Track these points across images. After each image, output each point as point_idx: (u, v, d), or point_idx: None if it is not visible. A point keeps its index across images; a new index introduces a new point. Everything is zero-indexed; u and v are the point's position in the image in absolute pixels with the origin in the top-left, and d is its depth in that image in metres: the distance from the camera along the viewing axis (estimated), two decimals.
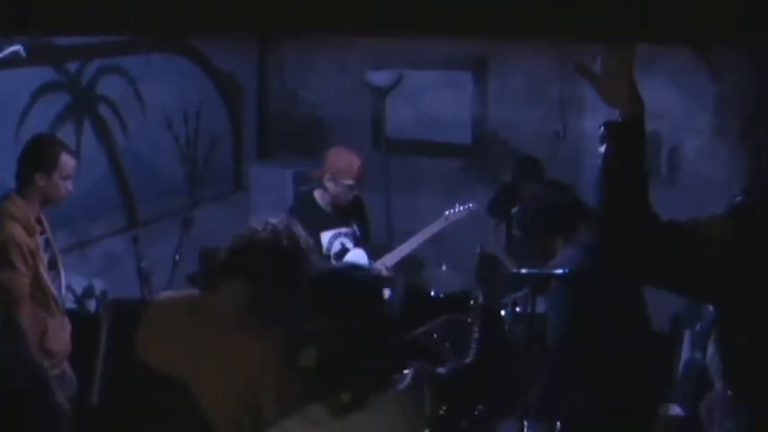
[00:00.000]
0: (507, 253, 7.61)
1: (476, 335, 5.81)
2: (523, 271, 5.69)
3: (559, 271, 4.70)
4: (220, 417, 3.42)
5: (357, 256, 6.39)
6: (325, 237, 6.26)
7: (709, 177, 7.65)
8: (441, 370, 4.58)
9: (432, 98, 9.03)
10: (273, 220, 3.69)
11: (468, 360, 5.56)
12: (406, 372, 3.00)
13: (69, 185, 5.37)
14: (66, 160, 5.37)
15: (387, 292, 6.51)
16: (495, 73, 8.86)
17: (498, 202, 7.80)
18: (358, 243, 6.41)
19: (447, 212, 6.95)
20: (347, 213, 6.38)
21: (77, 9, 1.94)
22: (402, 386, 2.94)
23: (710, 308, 4.90)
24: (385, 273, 6.47)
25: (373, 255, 6.60)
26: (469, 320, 6.41)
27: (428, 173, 9.07)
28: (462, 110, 9.03)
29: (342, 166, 6.20)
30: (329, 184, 6.21)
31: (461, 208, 6.99)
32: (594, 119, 7.56)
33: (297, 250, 3.62)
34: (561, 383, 4.80)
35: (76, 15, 1.96)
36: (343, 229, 6.36)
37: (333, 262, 6.20)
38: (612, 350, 4.61)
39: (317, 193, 6.32)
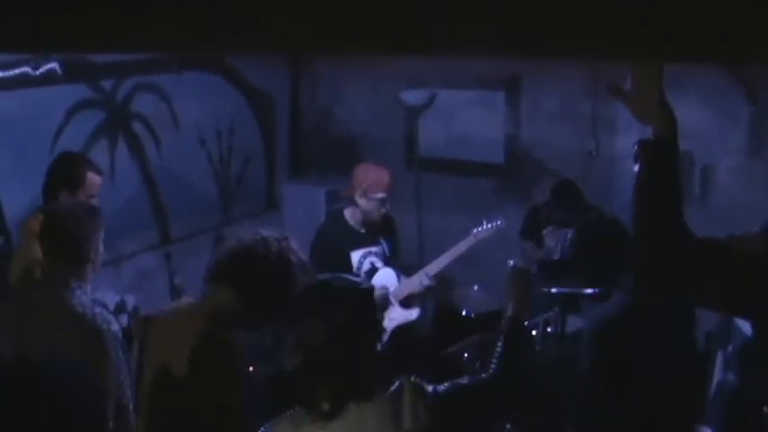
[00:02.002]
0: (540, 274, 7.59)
1: (498, 349, 5.77)
2: (553, 290, 5.69)
3: (590, 291, 4.68)
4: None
5: (386, 275, 6.39)
6: (356, 256, 6.28)
7: (742, 198, 7.60)
8: (441, 387, 4.61)
9: (464, 117, 9.04)
10: (264, 232, 3.78)
11: (485, 375, 5.52)
12: (394, 384, 3.04)
13: (95, 203, 5.40)
14: (92, 179, 5.41)
15: (416, 312, 6.49)
16: (527, 92, 8.85)
17: (528, 225, 7.79)
18: (387, 262, 6.41)
19: (475, 230, 6.94)
20: (377, 231, 6.38)
21: (108, 27, 1.96)
22: (381, 398, 2.97)
23: (743, 328, 4.88)
24: (426, 282, 6.47)
25: (405, 273, 6.60)
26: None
27: (460, 192, 9.06)
28: (495, 129, 9.02)
29: (371, 180, 6.21)
30: (361, 201, 6.21)
31: (489, 225, 6.98)
32: (627, 138, 7.53)
33: (285, 263, 3.69)
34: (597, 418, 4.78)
35: (107, 33, 1.98)
36: (373, 248, 6.37)
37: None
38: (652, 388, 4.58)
39: (348, 212, 6.33)
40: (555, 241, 7.52)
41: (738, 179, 7.93)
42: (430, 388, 3.06)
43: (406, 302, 6.49)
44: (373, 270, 6.33)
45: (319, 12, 1.81)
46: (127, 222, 7.55)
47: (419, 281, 6.48)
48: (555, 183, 7.68)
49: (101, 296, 5.84)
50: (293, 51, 6.79)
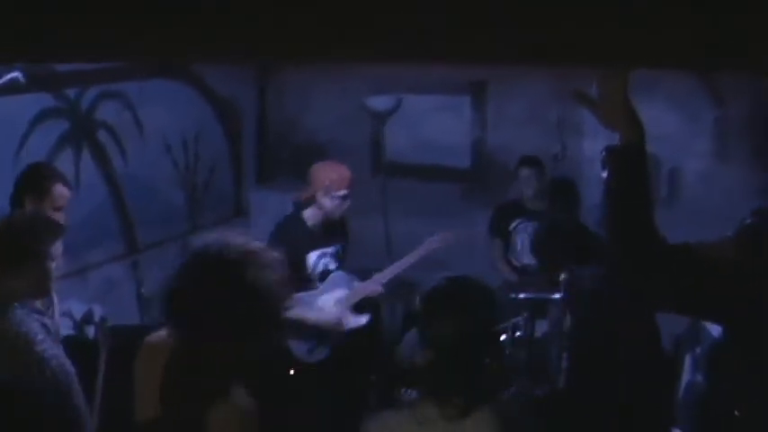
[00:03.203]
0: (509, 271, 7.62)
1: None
2: (522, 296, 5.70)
3: (556, 296, 4.72)
4: None
5: (339, 278, 6.33)
6: (311, 257, 6.18)
7: (708, 201, 7.65)
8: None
9: (431, 122, 9.04)
10: (227, 237, 3.42)
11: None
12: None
13: (62, 217, 5.33)
14: (60, 191, 5.37)
15: (365, 318, 6.39)
16: (493, 97, 8.87)
17: (495, 221, 7.83)
18: (340, 263, 6.35)
19: (429, 239, 6.84)
20: (333, 231, 6.31)
21: (77, 36, 1.94)
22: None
23: (712, 330, 4.90)
24: (380, 290, 6.40)
25: (359, 276, 6.51)
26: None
27: (427, 197, 9.06)
28: (461, 134, 9.04)
29: (334, 177, 6.10)
30: (324, 200, 6.10)
31: (443, 235, 6.89)
32: (594, 142, 7.57)
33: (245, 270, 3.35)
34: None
35: (76, 42, 1.96)
36: (329, 249, 6.28)
37: (318, 284, 6.18)
38: (622, 377, 4.60)
39: (308, 213, 6.21)
40: (523, 236, 7.56)
41: (704, 182, 7.99)
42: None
43: (357, 308, 6.40)
44: (326, 272, 6.26)
45: (295, 22, 1.81)
46: (93, 232, 7.50)
47: (371, 287, 6.40)
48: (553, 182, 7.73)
49: (67, 307, 5.80)
50: (259, 61, 6.78)
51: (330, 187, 6.08)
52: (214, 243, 3.27)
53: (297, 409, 5.82)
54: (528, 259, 7.54)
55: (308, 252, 6.15)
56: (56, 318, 5.36)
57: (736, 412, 3.11)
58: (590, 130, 7.91)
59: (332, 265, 6.29)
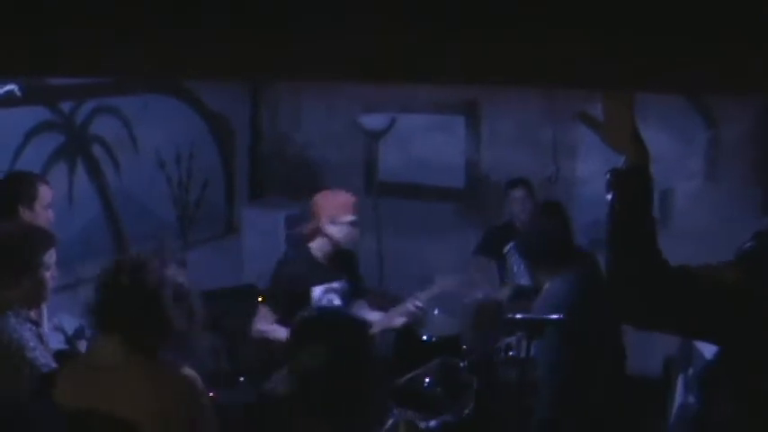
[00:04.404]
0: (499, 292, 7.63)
1: (474, 389, 5.75)
2: (518, 316, 5.70)
3: (554, 316, 4.73)
4: None
5: None
6: (316, 292, 5.95)
7: (701, 222, 7.67)
8: (432, 423, 4.54)
9: (424, 142, 9.05)
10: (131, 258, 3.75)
11: (466, 413, 5.49)
12: (388, 420, 3.02)
13: (50, 213, 5.58)
14: (44, 189, 5.59)
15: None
16: (487, 117, 8.88)
17: (485, 242, 7.83)
18: (345, 299, 6.10)
19: (416, 296, 6.64)
20: (341, 266, 6.12)
21: (74, 51, 1.94)
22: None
23: (704, 351, 4.91)
24: (417, 310, 6.27)
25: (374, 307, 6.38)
26: (462, 365, 6.40)
27: (420, 216, 9.06)
28: (455, 153, 9.05)
29: (338, 204, 5.96)
30: (331, 230, 5.93)
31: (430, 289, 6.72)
32: (587, 163, 7.58)
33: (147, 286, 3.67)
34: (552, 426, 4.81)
35: (74, 57, 1.96)
36: (334, 284, 6.05)
37: None
38: (598, 394, 4.63)
39: (315, 245, 6.01)
40: (517, 258, 7.59)
41: (697, 203, 8.00)
42: (423, 425, 3.05)
43: None
44: None
45: (278, 38, 1.81)
46: (85, 246, 7.48)
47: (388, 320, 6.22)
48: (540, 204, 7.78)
49: (59, 321, 5.79)
50: (252, 79, 6.77)
51: (336, 215, 5.93)
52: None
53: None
54: (525, 281, 7.57)
55: (312, 286, 5.95)
56: (44, 328, 5.37)
57: None
58: (583, 151, 7.93)
59: (336, 302, 6.03)
